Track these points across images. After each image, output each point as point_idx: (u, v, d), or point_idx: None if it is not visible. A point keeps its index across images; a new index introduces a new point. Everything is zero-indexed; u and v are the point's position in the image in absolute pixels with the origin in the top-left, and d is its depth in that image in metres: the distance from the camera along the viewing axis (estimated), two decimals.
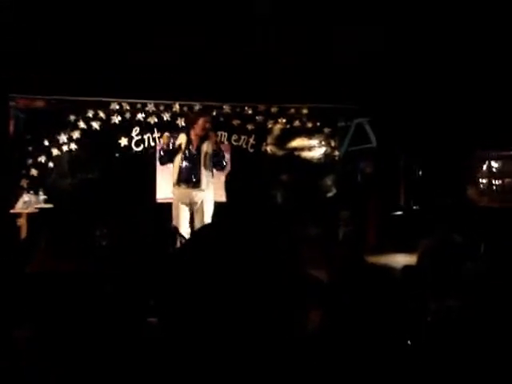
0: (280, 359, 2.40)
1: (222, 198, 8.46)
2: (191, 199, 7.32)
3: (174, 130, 9.39)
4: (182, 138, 7.38)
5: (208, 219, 7.16)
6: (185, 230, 7.15)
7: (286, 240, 2.93)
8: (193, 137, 7.33)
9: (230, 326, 2.45)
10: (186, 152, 7.26)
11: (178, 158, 7.31)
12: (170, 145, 7.36)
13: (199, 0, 6.28)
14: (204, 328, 2.49)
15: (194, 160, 7.26)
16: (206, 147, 7.31)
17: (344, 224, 9.31)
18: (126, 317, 3.06)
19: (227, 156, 9.52)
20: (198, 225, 7.27)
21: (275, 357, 2.40)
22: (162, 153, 7.43)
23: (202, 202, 7.31)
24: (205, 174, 7.30)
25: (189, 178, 7.27)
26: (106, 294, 3.18)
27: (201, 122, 7.31)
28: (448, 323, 2.75)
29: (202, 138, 7.32)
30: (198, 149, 7.29)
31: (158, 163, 7.95)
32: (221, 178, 8.74)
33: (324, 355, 2.48)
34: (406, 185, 10.16)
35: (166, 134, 7.28)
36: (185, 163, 7.27)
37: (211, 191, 7.40)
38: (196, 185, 7.27)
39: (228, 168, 7.80)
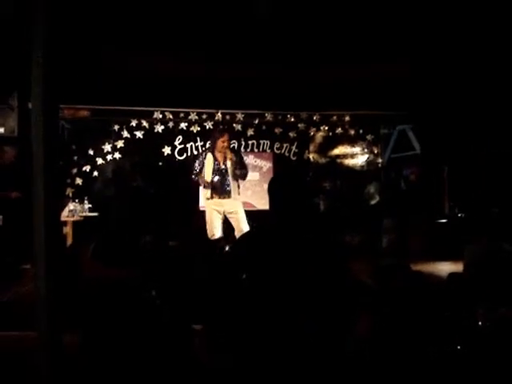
0: (330, 363, 2.38)
1: (263, 206, 8.59)
2: (224, 208, 7.70)
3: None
4: (209, 157, 7.77)
5: (244, 224, 7.61)
6: (219, 233, 7.60)
7: (334, 247, 2.91)
8: (217, 154, 7.74)
9: (280, 332, 2.45)
10: (216, 167, 7.70)
11: (210, 173, 7.70)
12: (200, 164, 7.85)
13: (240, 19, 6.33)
14: (253, 337, 2.48)
15: (222, 174, 7.69)
16: (230, 161, 7.69)
17: (388, 232, 9.23)
18: (171, 323, 3.06)
19: (268, 164, 9.59)
20: (235, 231, 7.60)
21: (325, 361, 2.38)
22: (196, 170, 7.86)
23: (235, 209, 7.68)
24: (233, 185, 7.72)
25: (221, 190, 7.68)
26: (150, 300, 3.20)
27: (219, 142, 7.71)
28: (497, 330, 2.69)
29: (225, 153, 7.73)
30: (225, 164, 7.71)
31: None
32: (263, 186, 8.89)
33: (374, 360, 2.46)
34: (451, 192, 10.02)
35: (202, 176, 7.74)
36: (216, 178, 7.68)
37: (240, 199, 7.87)
38: (227, 195, 7.68)
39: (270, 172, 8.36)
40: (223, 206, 7.65)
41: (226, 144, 7.68)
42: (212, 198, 7.67)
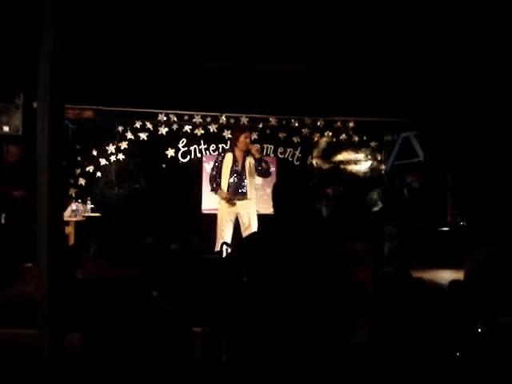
0: (330, 366, 2.39)
1: (266, 211, 8.57)
2: (238, 210, 7.66)
3: (220, 142, 9.59)
4: (228, 156, 7.73)
5: (253, 223, 7.61)
6: (229, 239, 7.49)
7: (334, 252, 2.92)
8: (237, 153, 7.69)
9: (282, 334, 2.45)
10: (234, 168, 7.64)
11: (227, 174, 7.64)
12: (217, 166, 7.83)
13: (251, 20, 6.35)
14: (254, 339, 2.49)
15: (240, 174, 7.64)
16: (249, 161, 7.66)
17: (390, 239, 9.23)
18: (172, 325, 3.07)
19: (272, 168, 9.59)
20: (244, 232, 7.55)
21: (326, 363, 2.39)
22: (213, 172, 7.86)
23: (248, 209, 7.66)
24: (250, 186, 7.67)
25: (237, 191, 7.62)
26: (151, 302, 3.20)
27: (242, 138, 7.66)
28: (497, 338, 2.70)
29: (245, 153, 7.68)
30: (243, 164, 7.66)
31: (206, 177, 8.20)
32: (266, 190, 8.90)
33: (372, 364, 2.46)
34: (454, 200, 10.01)
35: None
36: (232, 178, 7.63)
37: (254, 201, 7.80)
38: (244, 196, 7.63)
39: (273, 177, 8.59)
40: (237, 207, 7.61)
41: (248, 140, 7.64)
42: (227, 198, 7.61)
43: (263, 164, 7.59)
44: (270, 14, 6.22)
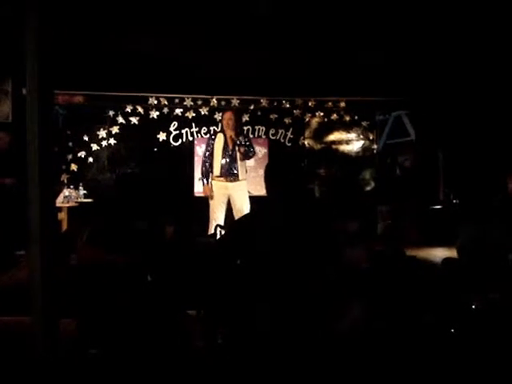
0: (322, 349, 2.40)
1: (258, 192, 8.62)
2: (230, 191, 7.73)
3: (211, 125, 9.56)
4: (219, 136, 7.80)
5: (245, 205, 7.70)
6: (222, 222, 7.58)
7: (328, 233, 2.92)
8: (227, 134, 7.74)
9: (276, 316, 2.46)
10: (225, 149, 7.69)
11: (219, 155, 7.69)
12: (208, 148, 7.91)
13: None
14: (248, 323, 2.50)
15: (231, 156, 7.69)
16: (229, 139, 7.73)
17: (383, 218, 9.25)
18: (166, 308, 3.08)
19: (264, 150, 9.58)
20: (236, 214, 7.62)
21: (318, 346, 2.40)
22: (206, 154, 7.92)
23: (239, 190, 7.76)
24: (241, 167, 7.75)
25: (228, 172, 7.68)
26: (146, 286, 3.21)
27: (223, 119, 7.88)
28: (489, 314, 2.71)
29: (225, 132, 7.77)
30: (234, 145, 7.69)
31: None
32: (259, 172, 8.90)
33: (366, 344, 2.47)
34: (446, 178, 10.03)
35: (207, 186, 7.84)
36: (224, 160, 7.68)
37: (246, 182, 7.89)
38: (235, 178, 7.70)
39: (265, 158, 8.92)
40: (228, 189, 7.68)
41: (225, 121, 7.72)
42: (219, 178, 7.68)
43: (241, 148, 7.65)
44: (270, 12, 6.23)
